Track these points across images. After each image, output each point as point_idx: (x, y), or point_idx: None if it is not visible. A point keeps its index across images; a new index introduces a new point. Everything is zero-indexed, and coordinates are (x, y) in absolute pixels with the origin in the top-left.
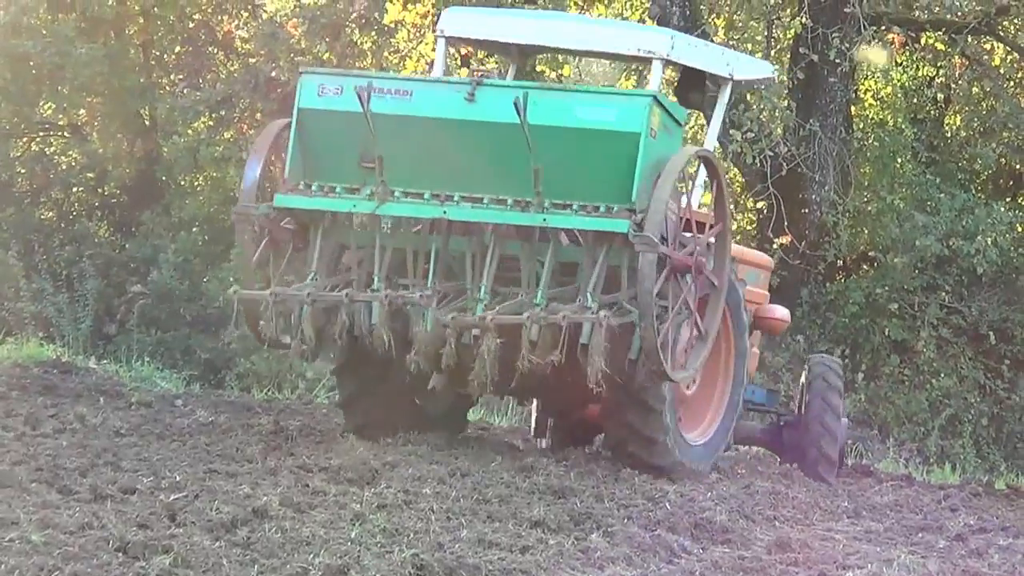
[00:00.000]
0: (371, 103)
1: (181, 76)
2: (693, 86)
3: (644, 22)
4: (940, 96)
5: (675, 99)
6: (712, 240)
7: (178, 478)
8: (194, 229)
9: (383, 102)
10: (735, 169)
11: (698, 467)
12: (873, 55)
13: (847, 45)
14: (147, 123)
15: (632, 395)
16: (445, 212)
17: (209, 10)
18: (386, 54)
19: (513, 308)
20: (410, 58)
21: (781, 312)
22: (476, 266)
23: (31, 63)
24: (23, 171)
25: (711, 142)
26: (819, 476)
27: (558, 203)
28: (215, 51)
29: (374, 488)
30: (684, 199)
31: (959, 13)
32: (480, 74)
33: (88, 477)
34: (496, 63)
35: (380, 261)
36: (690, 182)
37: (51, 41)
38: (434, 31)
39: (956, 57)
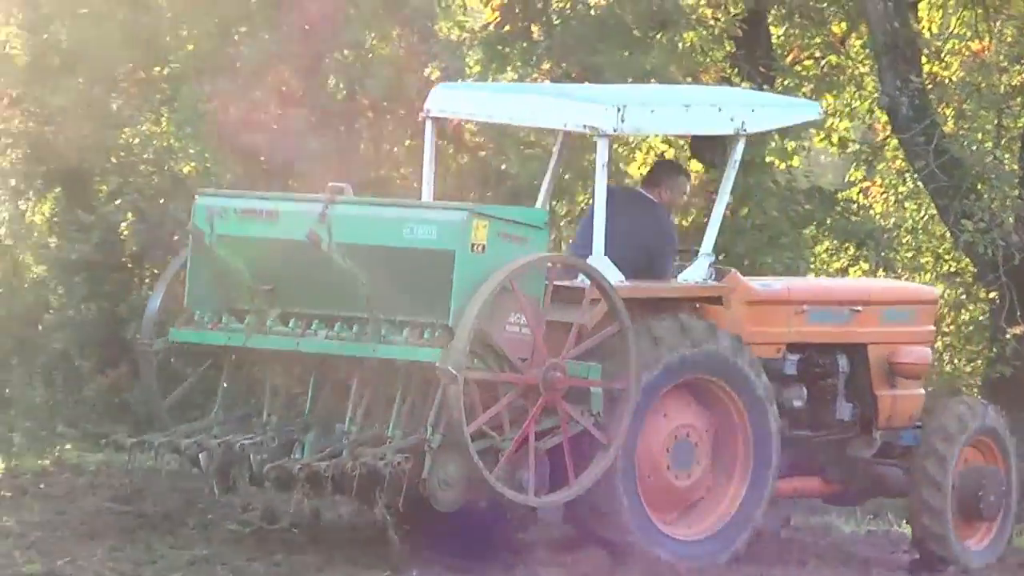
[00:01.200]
0: (245, 227)
1: (411, 169)
2: (706, 142)
3: (872, 112)
4: None
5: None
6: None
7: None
8: None
9: (256, 225)
10: (967, 259)
11: (692, 563)
12: None
13: None
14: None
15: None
16: (298, 344)
17: None
18: (616, 147)
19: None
20: (639, 150)
21: (917, 355)
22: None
23: (262, 158)
24: None
25: (720, 206)
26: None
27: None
28: (446, 144)
29: None
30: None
31: None
32: (333, 191)
33: None
34: None
35: (268, 396)
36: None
37: (281, 136)
38: None
39: None
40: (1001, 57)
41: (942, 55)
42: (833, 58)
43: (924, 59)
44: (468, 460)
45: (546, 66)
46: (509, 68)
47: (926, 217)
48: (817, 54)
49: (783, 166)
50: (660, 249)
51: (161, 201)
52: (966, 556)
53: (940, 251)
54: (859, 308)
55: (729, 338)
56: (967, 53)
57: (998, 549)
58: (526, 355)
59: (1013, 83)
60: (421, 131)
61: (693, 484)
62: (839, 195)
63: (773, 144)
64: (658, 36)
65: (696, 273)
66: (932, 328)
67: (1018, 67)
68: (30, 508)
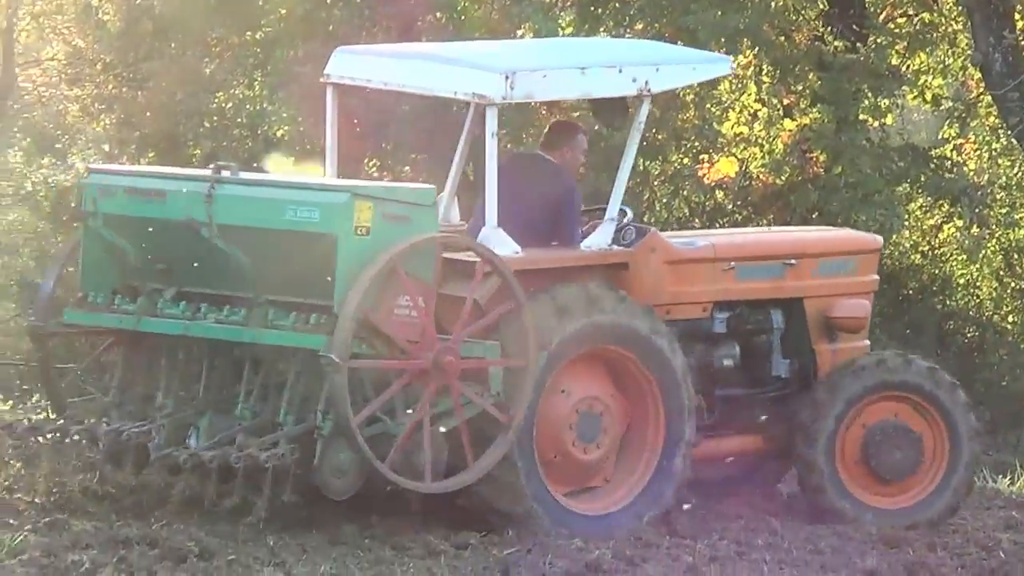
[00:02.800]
0: (132, 206)
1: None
2: (613, 108)
3: (965, 69)
4: None
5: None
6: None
7: (509, 532)
8: None
9: (143, 205)
10: None
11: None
12: None
13: None
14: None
15: None
16: (186, 328)
17: None
18: (708, 106)
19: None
20: (733, 109)
21: (853, 308)
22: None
23: (355, 120)
24: None
25: (624, 171)
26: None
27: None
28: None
29: (706, 540)
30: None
31: None
32: (219, 169)
33: (420, 533)
34: None
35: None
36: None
37: (375, 98)
38: (755, 82)
39: None
40: None
41: None
42: (926, 15)
43: (1018, 15)
44: (357, 448)
45: (639, 26)
46: (602, 29)
47: (1020, 173)
48: (910, 11)
49: (876, 124)
50: (565, 212)
51: (255, 165)
52: (858, 513)
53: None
54: (793, 261)
55: (640, 309)
56: None
57: (924, 512)
58: (417, 337)
59: None
60: None
61: (600, 457)
62: (933, 152)
63: (867, 102)
64: None
65: (600, 239)
66: (874, 278)
67: None
68: None
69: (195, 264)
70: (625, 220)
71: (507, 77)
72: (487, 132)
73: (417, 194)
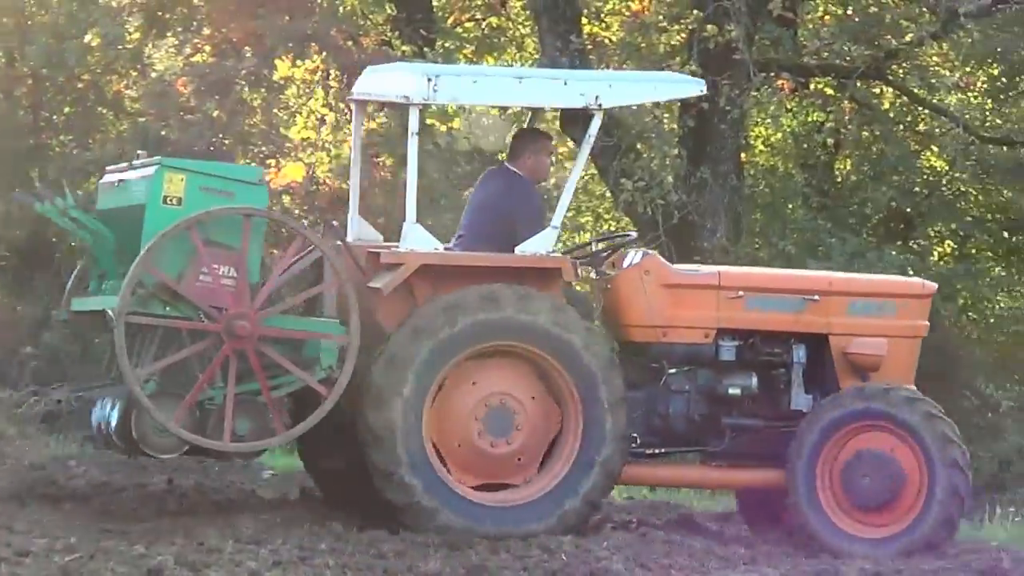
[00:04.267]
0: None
1: (71, 137)
2: (572, 118)
3: None
4: (830, 141)
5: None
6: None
7: (72, 539)
8: None
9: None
10: (627, 218)
11: (500, 532)
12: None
13: (736, 92)
14: (37, 184)
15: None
16: (72, 305)
17: (98, 70)
18: (276, 111)
19: None
20: (300, 114)
21: (869, 346)
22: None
23: None
24: None
25: (572, 181)
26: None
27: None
28: (105, 111)
29: (270, 545)
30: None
31: (848, 58)
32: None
33: None
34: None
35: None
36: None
37: None
38: (322, 87)
39: (845, 102)
40: (660, 17)
41: (602, 16)
42: (494, 20)
43: (584, 20)
44: (138, 402)
45: (207, 31)
46: (169, 34)
47: (586, 177)
48: (478, 16)
49: (444, 128)
50: (521, 220)
51: None
52: (839, 545)
53: (600, 211)
54: (816, 297)
55: (558, 311)
56: (627, 14)
57: (907, 542)
58: (225, 304)
59: (672, 43)
60: (80, 99)
61: (511, 453)
62: (500, 157)
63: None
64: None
65: (537, 244)
66: (921, 323)
67: (677, 27)
68: None
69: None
70: (628, 239)
71: (430, 79)
72: (409, 131)
73: (242, 171)
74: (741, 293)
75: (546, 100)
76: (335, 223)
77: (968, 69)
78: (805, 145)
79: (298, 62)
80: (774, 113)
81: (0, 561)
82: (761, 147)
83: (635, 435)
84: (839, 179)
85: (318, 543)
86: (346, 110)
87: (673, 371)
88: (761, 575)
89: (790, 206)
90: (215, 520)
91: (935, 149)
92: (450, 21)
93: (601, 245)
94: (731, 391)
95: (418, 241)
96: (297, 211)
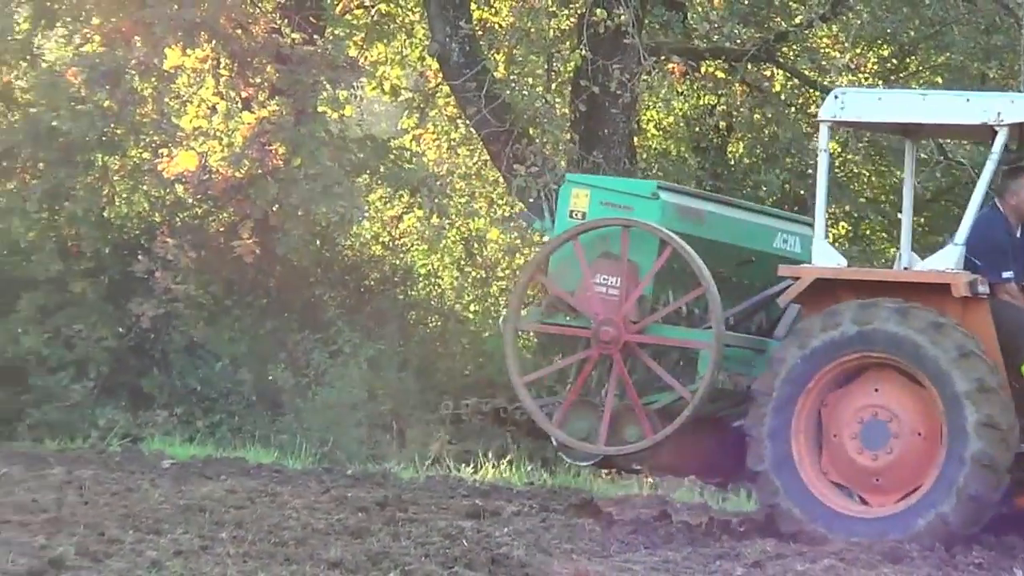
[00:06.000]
0: None
1: None
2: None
3: (423, 60)
4: (722, 124)
5: None
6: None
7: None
8: None
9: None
10: (520, 204)
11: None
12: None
13: (627, 76)
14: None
15: None
16: None
17: None
18: (167, 100)
19: None
20: (191, 103)
21: None
22: None
23: None
24: None
25: (975, 203)
26: None
27: None
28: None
29: (171, 534)
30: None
31: (738, 41)
32: None
33: None
34: None
35: None
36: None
37: None
38: (213, 76)
39: (736, 85)
40: (549, 2)
41: (491, 1)
42: (383, 6)
43: (474, 5)
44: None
45: (96, 21)
46: (59, 24)
47: (479, 163)
48: (368, 3)
49: (336, 115)
50: (977, 250)
51: None
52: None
53: (494, 196)
54: None
55: (925, 322)
56: None
57: None
58: (609, 314)
59: (562, 27)
60: None
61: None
62: (392, 143)
63: (326, 94)
64: None
65: (937, 261)
66: None
67: (567, 11)
68: None
69: None
70: None
71: (837, 97)
72: (819, 147)
73: (638, 186)
74: None
75: (949, 117)
76: None
77: (858, 51)
78: (697, 128)
79: (188, 51)
80: (666, 97)
81: None
82: (653, 131)
83: None
84: (732, 162)
85: (219, 532)
86: (236, 98)
87: None
88: (663, 559)
89: None
90: (115, 510)
91: None
92: (339, 8)
93: None
94: None
95: (823, 257)
96: (191, 200)
